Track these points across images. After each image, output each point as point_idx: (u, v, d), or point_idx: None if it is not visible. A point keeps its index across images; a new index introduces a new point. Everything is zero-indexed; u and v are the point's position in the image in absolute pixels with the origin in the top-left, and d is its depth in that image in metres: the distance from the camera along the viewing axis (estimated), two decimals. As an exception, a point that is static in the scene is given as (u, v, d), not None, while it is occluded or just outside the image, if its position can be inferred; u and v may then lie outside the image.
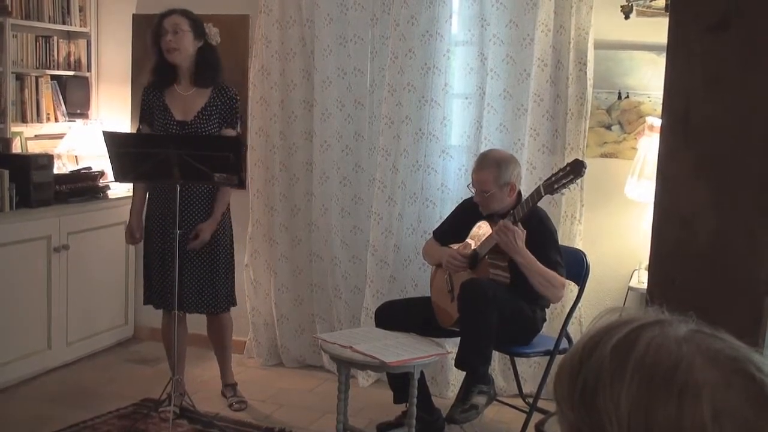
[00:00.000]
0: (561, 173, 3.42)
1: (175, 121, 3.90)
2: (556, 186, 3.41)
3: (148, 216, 4.03)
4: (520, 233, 3.43)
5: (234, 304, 4.18)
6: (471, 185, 3.70)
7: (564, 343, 3.65)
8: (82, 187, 4.76)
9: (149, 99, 3.98)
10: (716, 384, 0.78)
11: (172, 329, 3.84)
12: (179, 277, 3.80)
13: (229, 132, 3.95)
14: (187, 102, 3.93)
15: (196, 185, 3.88)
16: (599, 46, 4.16)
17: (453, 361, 3.69)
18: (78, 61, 5.20)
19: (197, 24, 3.95)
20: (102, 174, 4.90)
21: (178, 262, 3.75)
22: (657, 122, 3.79)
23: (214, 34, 3.97)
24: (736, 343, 0.83)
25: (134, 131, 4.98)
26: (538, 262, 3.46)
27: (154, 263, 3.99)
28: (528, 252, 3.45)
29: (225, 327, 4.18)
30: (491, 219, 3.65)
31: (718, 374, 0.79)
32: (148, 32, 4.00)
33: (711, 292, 1.65)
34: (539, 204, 3.54)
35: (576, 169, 3.39)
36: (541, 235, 3.55)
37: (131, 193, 4.98)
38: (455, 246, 3.77)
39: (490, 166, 3.60)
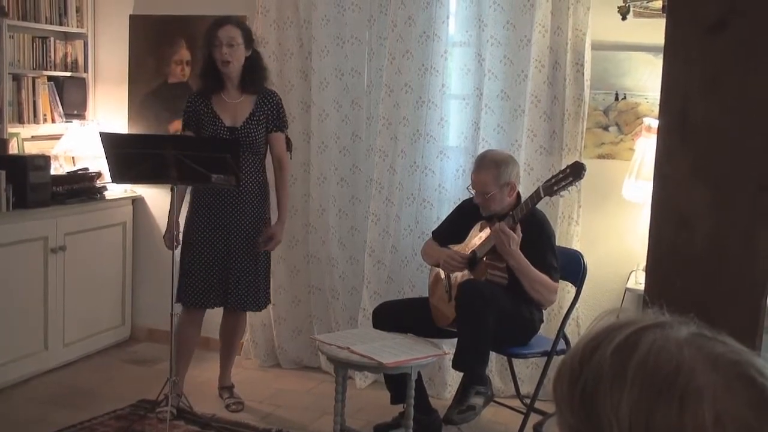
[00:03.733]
0: (561, 175, 3.42)
1: (226, 128, 3.96)
2: (555, 188, 3.41)
3: (192, 221, 4.03)
4: (516, 237, 3.43)
5: (270, 301, 4.31)
6: (471, 187, 3.70)
7: (561, 344, 3.65)
8: (79, 188, 4.75)
9: (196, 107, 4.01)
10: (717, 388, 0.77)
11: (188, 329, 3.96)
12: (224, 276, 3.97)
13: (279, 135, 4.05)
14: (236, 109, 3.99)
15: (250, 186, 3.95)
16: (596, 47, 4.16)
17: (450, 362, 3.69)
18: (75, 62, 5.19)
19: (248, 34, 4.01)
20: (99, 175, 4.89)
21: (225, 262, 3.96)
22: (654, 123, 3.79)
23: (258, 39, 4.04)
24: (737, 347, 0.83)
25: (131, 132, 5.00)
26: (531, 267, 3.46)
27: (198, 266, 3.99)
28: (522, 256, 3.45)
29: (239, 328, 4.29)
30: (490, 220, 3.65)
31: (719, 379, 0.78)
32: (204, 36, 4.01)
33: (708, 293, 1.65)
34: (538, 206, 3.54)
35: (576, 171, 3.39)
36: (539, 237, 3.55)
37: (128, 195, 5.03)
38: (454, 247, 3.78)
39: (490, 167, 3.60)
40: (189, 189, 4.08)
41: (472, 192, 3.69)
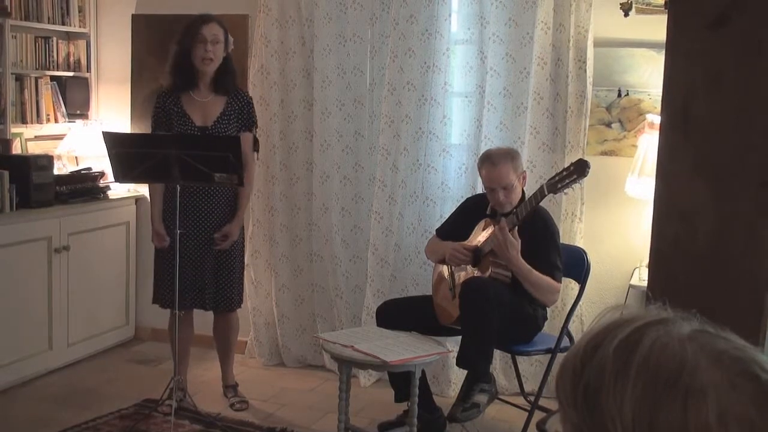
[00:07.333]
0: (565, 173, 3.41)
1: (196, 127, 3.93)
2: (559, 185, 3.40)
3: (164, 218, 4.02)
4: (515, 242, 3.41)
5: (242, 303, 4.25)
6: (486, 187, 3.66)
7: (565, 342, 3.65)
8: (83, 187, 4.75)
9: (166, 105, 3.97)
10: (721, 386, 0.77)
11: (180, 328, 3.92)
12: (198, 276, 3.94)
13: (246, 135, 3.99)
14: (205, 108, 3.96)
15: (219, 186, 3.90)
16: (599, 43, 4.16)
17: (454, 360, 3.69)
18: (77, 62, 5.19)
19: (227, 35, 3.98)
20: (102, 174, 4.90)
21: (197, 262, 3.93)
22: (657, 120, 3.78)
23: (231, 42, 4.03)
24: (740, 343, 0.82)
25: (134, 131, 5.00)
26: (531, 270, 3.45)
27: (168, 264, 3.96)
28: (521, 261, 3.44)
29: (232, 327, 4.24)
30: (494, 217, 3.65)
31: (722, 376, 0.78)
32: (182, 32, 3.93)
33: (711, 289, 1.64)
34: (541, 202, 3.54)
35: (580, 168, 3.37)
36: (543, 235, 3.55)
37: (131, 194, 5.03)
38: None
39: (505, 159, 3.59)
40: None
41: (493, 192, 3.63)
